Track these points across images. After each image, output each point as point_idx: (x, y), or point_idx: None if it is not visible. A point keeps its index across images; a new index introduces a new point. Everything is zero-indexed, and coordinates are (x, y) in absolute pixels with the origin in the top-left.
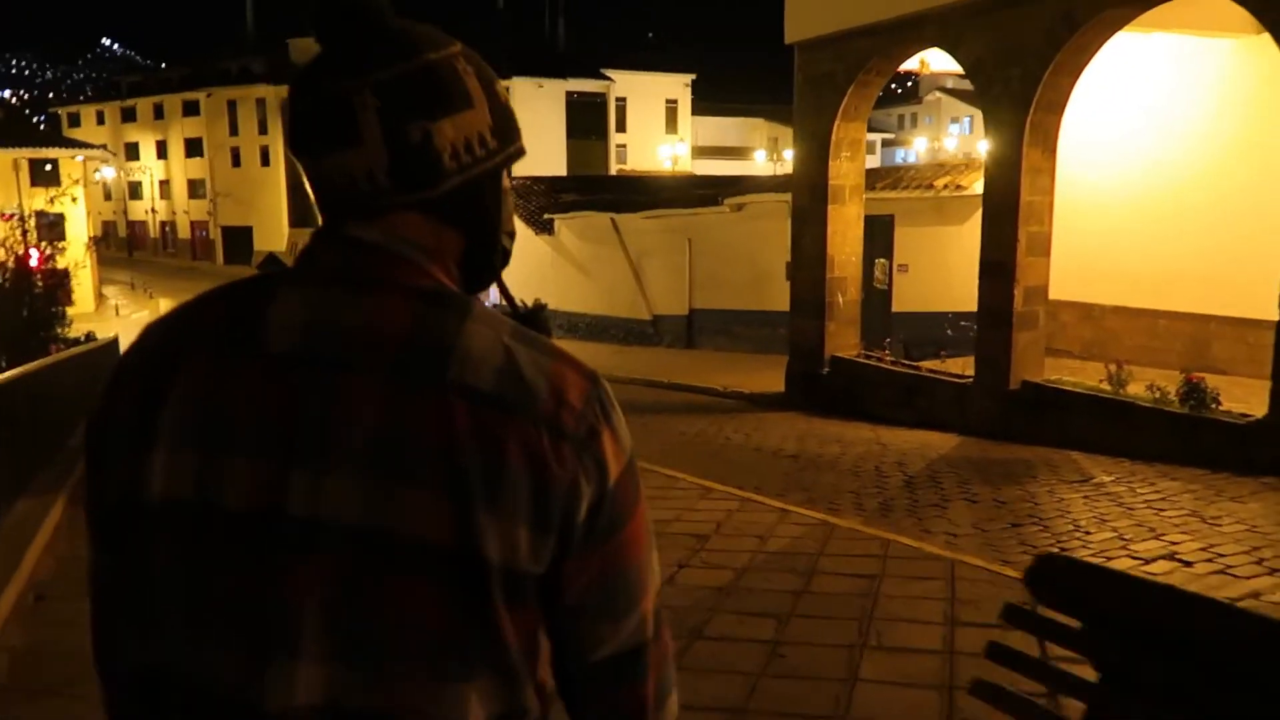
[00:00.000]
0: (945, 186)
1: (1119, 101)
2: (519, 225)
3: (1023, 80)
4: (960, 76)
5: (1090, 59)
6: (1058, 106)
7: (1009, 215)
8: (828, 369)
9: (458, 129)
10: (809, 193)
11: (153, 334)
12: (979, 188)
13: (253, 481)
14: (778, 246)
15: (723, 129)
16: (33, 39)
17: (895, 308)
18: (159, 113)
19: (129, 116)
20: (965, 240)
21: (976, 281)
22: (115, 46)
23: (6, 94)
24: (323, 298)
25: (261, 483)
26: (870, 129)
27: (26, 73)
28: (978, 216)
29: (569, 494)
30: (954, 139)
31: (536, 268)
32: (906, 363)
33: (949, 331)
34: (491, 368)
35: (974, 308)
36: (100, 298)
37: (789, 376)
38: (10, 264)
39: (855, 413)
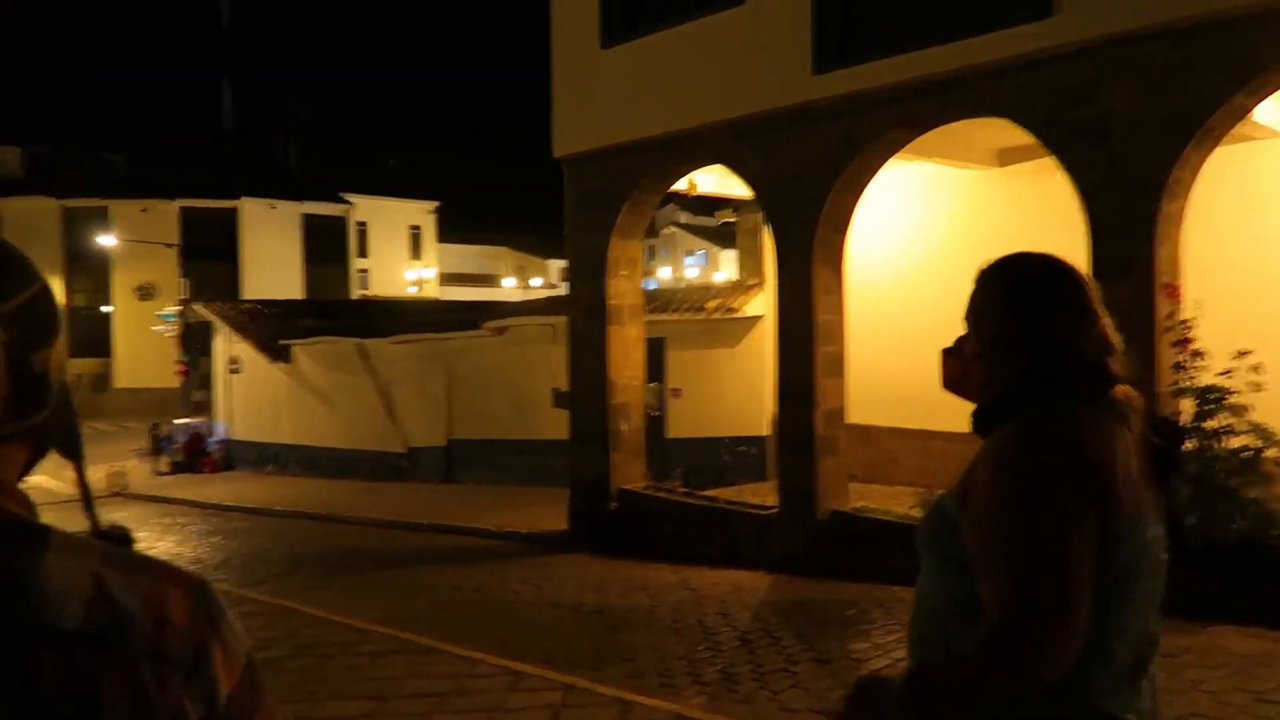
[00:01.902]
0: (717, 309)
1: (883, 227)
2: (252, 353)
3: (808, 199)
4: (735, 201)
5: (870, 179)
6: (842, 225)
7: (804, 336)
8: (615, 504)
9: (58, 350)
10: (585, 313)
11: None
12: (751, 309)
13: None
14: (542, 372)
15: (469, 256)
16: None
17: (670, 434)
18: None
19: None
20: (739, 363)
21: (752, 405)
22: None
23: None
24: None
25: None
26: None
27: None
28: (751, 338)
29: None
30: (694, 269)
31: (270, 399)
32: (702, 494)
33: (727, 458)
34: (79, 602)
35: (751, 432)
36: None
37: (572, 514)
38: None
39: (649, 552)
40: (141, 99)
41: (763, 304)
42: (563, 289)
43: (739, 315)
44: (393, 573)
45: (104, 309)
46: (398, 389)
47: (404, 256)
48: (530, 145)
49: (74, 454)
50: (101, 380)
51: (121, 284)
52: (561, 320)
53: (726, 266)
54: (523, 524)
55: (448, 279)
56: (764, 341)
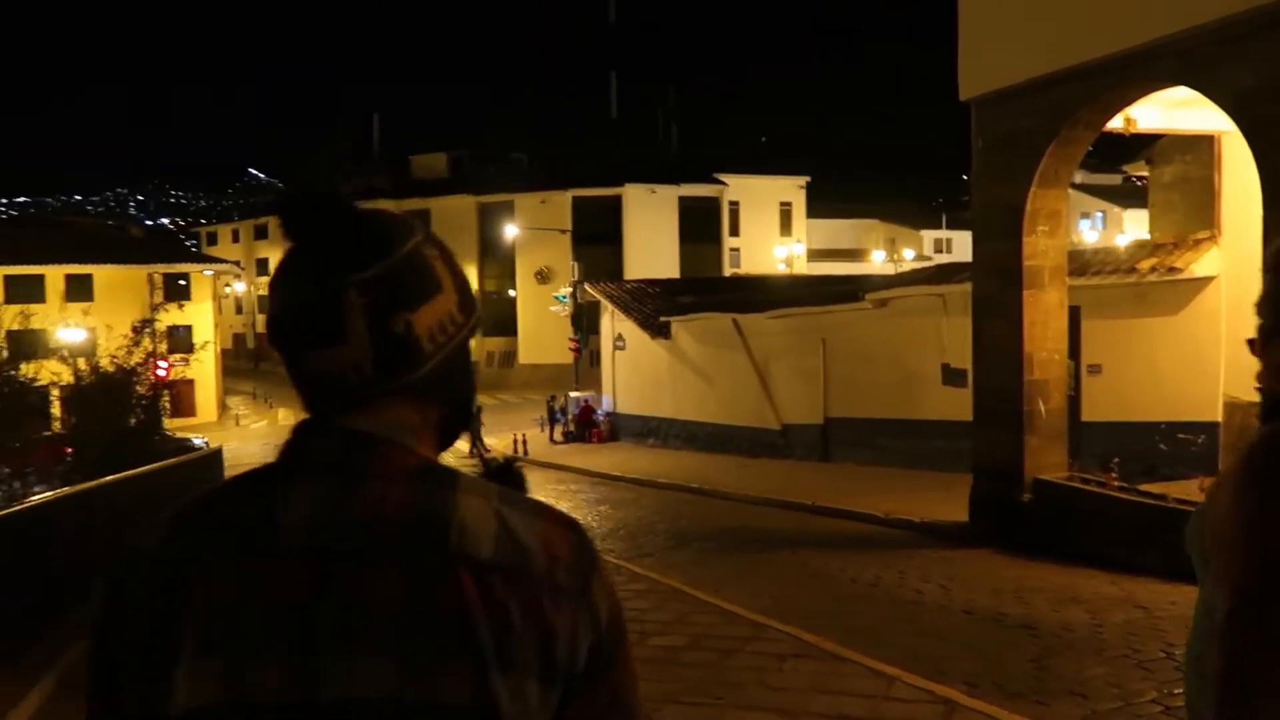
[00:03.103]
0: (1153, 269)
1: None
2: (634, 329)
3: None
4: (1152, 152)
5: None
6: None
7: None
8: (1029, 495)
9: (433, 313)
10: (995, 276)
11: (155, 541)
12: (1200, 269)
13: (283, 676)
14: (929, 346)
15: (838, 231)
16: (189, 173)
17: (1085, 416)
18: None
19: (261, 234)
20: (1180, 334)
21: (1197, 384)
22: (260, 175)
23: (165, 221)
24: (325, 491)
25: (292, 675)
26: None
27: (183, 201)
28: (1197, 304)
29: (571, 645)
30: (1092, 233)
31: (651, 373)
32: (1144, 490)
33: (1162, 446)
34: (489, 536)
35: (1196, 416)
36: (223, 408)
37: (975, 503)
38: (117, 374)
39: (1072, 554)
40: (539, 99)
41: (1214, 263)
42: (938, 259)
43: (1183, 277)
44: (777, 555)
45: (510, 293)
46: (773, 364)
47: (774, 233)
48: (903, 107)
49: (463, 420)
50: (509, 357)
51: (523, 269)
52: (953, 290)
53: (1131, 228)
54: (912, 511)
55: (815, 254)
56: (1217, 308)
